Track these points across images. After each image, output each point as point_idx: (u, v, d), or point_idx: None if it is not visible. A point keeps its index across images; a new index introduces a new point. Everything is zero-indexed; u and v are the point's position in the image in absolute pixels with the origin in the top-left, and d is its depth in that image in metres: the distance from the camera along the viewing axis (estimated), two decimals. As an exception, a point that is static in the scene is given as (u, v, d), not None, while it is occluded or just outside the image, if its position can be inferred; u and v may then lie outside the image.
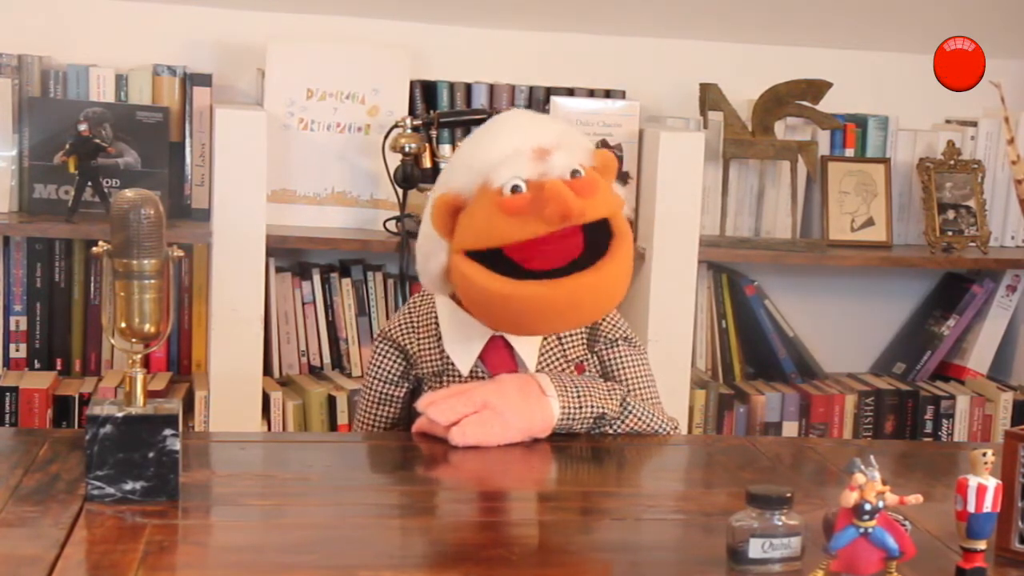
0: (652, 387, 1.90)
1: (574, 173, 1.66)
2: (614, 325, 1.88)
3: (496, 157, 1.68)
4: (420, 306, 1.87)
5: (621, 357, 1.88)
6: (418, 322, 1.86)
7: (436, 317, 1.84)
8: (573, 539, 1.47)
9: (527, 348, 1.82)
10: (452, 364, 1.82)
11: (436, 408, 1.73)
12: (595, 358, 1.88)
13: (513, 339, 1.81)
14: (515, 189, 1.65)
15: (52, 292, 2.75)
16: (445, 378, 1.83)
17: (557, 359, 1.84)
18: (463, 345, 1.81)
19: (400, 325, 1.87)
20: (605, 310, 1.80)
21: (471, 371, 1.82)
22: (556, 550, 1.43)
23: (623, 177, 1.80)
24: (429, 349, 1.84)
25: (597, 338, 1.88)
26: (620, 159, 2.74)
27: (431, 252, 1.76)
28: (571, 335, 1.86)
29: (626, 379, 1.87)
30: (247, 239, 2.57)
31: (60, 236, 2.69)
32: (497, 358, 1.82)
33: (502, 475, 1.70)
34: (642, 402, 1.85)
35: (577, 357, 1.86)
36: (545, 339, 1.84)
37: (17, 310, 2.74)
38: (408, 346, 1.86)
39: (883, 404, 3.03)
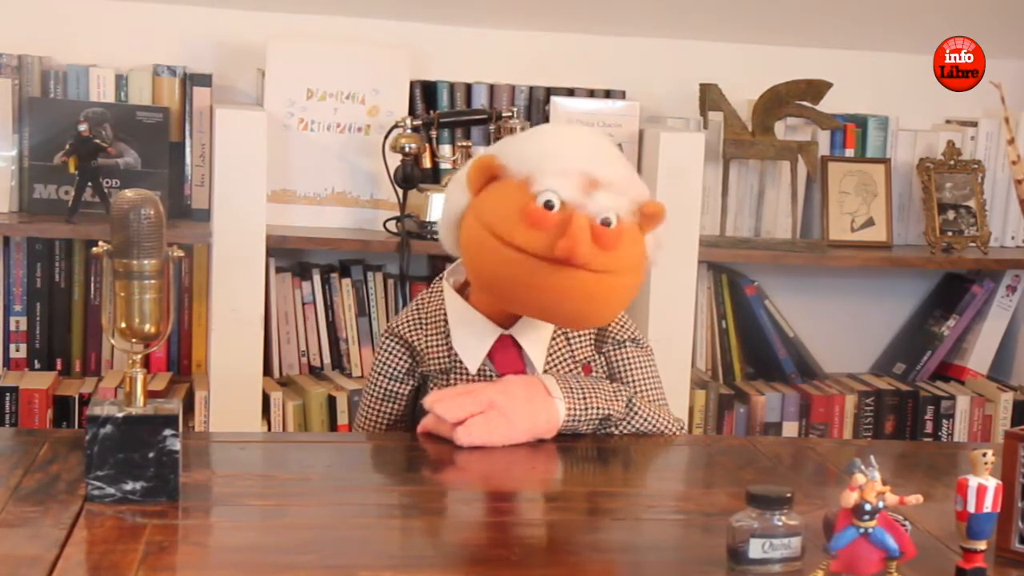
0: (659, 389, 1.90)
1: (604, 221, 1.66)
2: (622, 326, 1.88)
3: (552, 164, 1.67)
4: (428, 303, 1.86)
5: (628, 359, 1.88)
6: (426, 318, 1.85)
7: (444, 314, 1.83)
8: (573, 539, 1.47)
9: (535, 348, 1.82)
10: (460, 362, 1.82)
11: (443, 404, 1.73)
12: (602, 359, 1.87)
13: (522, 339, 1.81)
14: (548, 204, 1.65)
15: (52, 292, 2.74)
16: (452, 376, 1.83)
17: (565, 359, 1.84)
18: (472, 343, 1.81)
19: (407, 321, 1.87)
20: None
21: (479, 370, 1.82)
22: (556, 550, 1.43)
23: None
24: (437, 346, 1.84)
25: (605, 339, 1.87)
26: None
27: (454, 195, 1.78)
28: (579, 335, 1.85)
29: (633, 381, 1.87)
30: (247, 239, 2.57)
31: (60, 236, 2.69)
32: (505, 357, 1.81)
33: (505, 475, 1.70)
34: (648, 404, 1.85)
35: (585, 358, 1.86)
36: (553, 339, 1.83)
37: (17, 310, 2.73)
38: (415, 342, 1.85)
39: (883, 404, 3.03)
